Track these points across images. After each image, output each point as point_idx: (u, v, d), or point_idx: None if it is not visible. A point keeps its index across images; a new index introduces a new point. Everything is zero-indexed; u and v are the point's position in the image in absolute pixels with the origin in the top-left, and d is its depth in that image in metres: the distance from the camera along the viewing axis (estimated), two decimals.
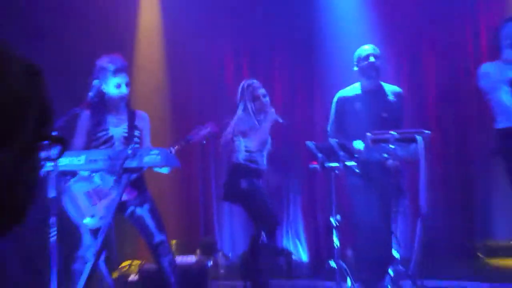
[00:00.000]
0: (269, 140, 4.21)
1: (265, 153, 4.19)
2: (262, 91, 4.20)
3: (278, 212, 4.52)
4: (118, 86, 3.33)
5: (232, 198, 4.22)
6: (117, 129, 3.38)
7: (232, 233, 6.49)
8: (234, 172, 4.13)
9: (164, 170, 3.32)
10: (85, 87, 3.19)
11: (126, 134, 3.37)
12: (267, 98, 4.20)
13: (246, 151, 4.11)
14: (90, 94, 3.17)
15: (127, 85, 3.37)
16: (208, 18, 6.28)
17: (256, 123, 4.13)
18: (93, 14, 5.59)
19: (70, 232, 3.04)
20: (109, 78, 3.31)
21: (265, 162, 4.18)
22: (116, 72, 3.31)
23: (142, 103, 3.71)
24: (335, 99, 4.16)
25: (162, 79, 6.51)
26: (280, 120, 4.18)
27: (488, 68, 3.40)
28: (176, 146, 3.38)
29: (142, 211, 3.36)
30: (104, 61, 3.33)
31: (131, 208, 3.36)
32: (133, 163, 2.86)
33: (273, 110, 4.18)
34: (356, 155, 3.60)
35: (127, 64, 3.45)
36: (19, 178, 0.80)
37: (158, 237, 3.35)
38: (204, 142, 3.51)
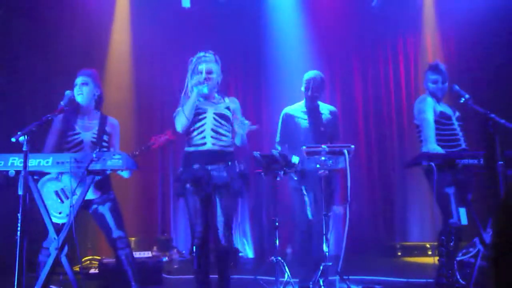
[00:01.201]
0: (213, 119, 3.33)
1: (211, 130, 3.28)
2: (209, 66, 3.37)
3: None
4: (76, 85, 3.47)
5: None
6: (87, 133, 3.44)
7: (186, 232, 6.53)
8: None
9: (125, 175, 3.37)
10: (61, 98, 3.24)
11: (94, 139, 3.43)
12: (214, 75, 3.39)
13: (186, 134, 3.37)
14: (62, 103, 3.20)
15: (82, 84, 3.46)
16: (170, 39, 6.44)
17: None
18: (72, 34, 5.89)
19: (39, 226, 3.00)
20: (74, 85, 3.47)
21: (210, 142, 3.24)
22: (77, 76, 3.47)
23: (110, 113, 3.66)
24: (281, 114, 4.29)
25: (129, 92, 6.61)
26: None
27: (421, 98, 3.95)
28: (138, 151, 3.43)
29: (104, 209, 3.39)
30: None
31: (94, 206, 3.39)
32: (97, 166, 2.88)
33: (205, 85, 3.29)
34: (294, 164, 3.72)
35: (92, 73, 3.53)
36: None
37: (116, 233, 3.37)
38: (163, 148, 3.45)
